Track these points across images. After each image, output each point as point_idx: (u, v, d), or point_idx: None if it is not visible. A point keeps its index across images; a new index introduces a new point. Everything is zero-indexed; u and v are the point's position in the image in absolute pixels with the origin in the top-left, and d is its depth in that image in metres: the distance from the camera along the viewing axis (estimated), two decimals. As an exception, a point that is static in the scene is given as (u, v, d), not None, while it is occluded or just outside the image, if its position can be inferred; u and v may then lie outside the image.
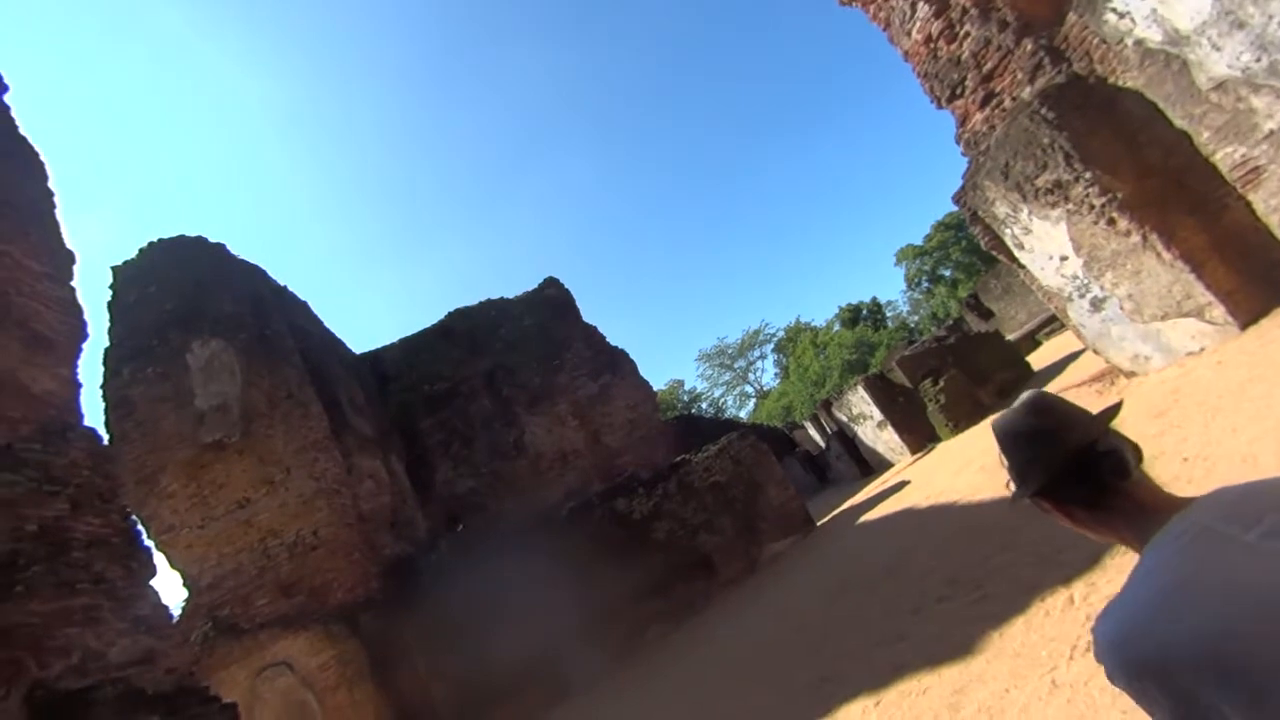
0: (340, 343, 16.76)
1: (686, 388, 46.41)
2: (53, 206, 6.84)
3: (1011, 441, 0.94)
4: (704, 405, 45.86)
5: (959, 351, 12.33)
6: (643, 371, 19.52)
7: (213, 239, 12.20)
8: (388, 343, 19.24)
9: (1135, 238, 5.74)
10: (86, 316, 6.65)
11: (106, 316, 11.73)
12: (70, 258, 6.78)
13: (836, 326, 40.45)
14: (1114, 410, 0.93)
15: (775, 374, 45.46)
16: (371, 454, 14.09)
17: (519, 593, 10.49)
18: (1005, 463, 0.96)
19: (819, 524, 10.99)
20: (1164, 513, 0.81)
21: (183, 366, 11.09)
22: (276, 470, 11.16)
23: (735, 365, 46.39)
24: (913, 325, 38.11)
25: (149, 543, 10.53)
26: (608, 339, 20.04)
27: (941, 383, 11.34)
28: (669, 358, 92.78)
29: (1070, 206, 6.03)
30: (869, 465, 14.19)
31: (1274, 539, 0.69)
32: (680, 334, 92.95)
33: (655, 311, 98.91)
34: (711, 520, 10.31)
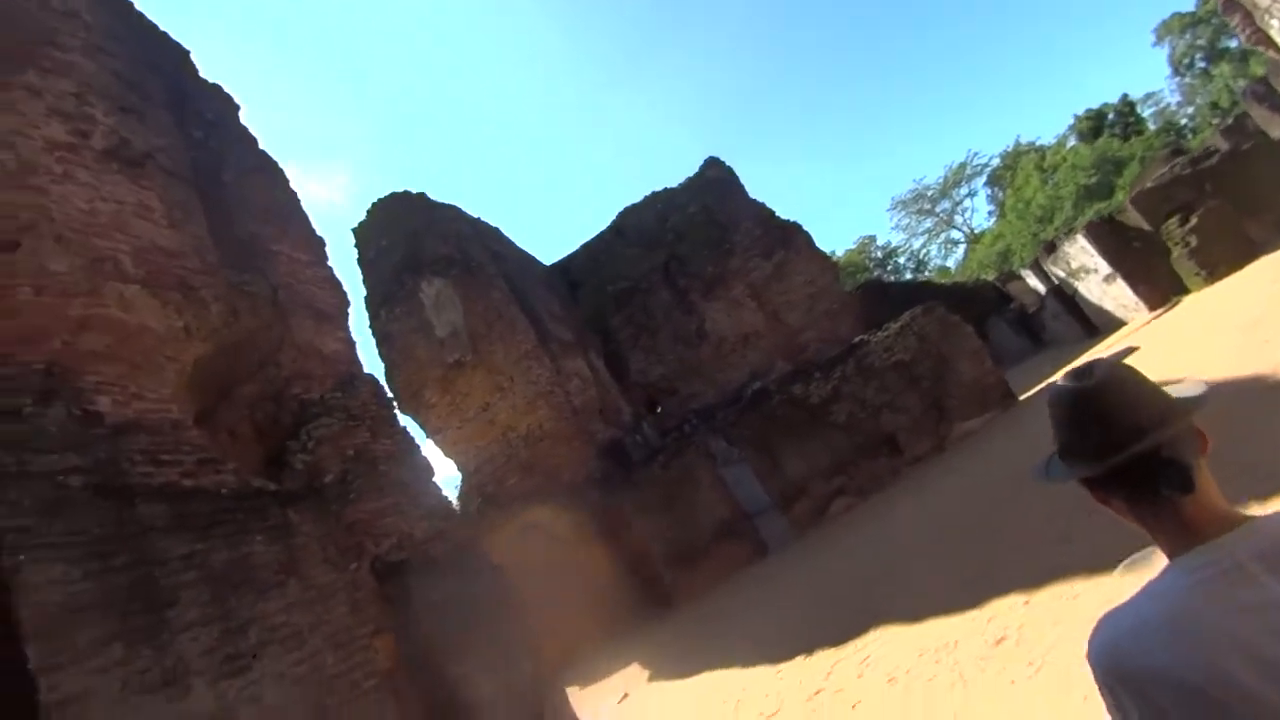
0: (532, 259, 18.62)
1: (879, 244, 42.49)
2: (298, 203, 8.60)
3: (1066, 414, 0.84)
4: (901, 260, 41.86)
5: (1222, 174, 9.47)
6: (827, 233, 18.74)
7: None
8: (572, 250, 20.75)
9: None
10: (346, 287, 8.50)
11: (358, 270, 14.62)
12: (322, 242, 8.57)
13: (1072, 142, 32.86)
14: (1196, 403, 0.81)
15: (990, 212, 39.23)
16: (574, 355, 15.98)
17: (714, 466, 11.68)
18: (1054, 429, 0.87)
19: (1022, 398, 10.11)
20: (1207, 531, 0.75)
21: (419, 303, 13.56)
22: (503, 379, 13.45)
23: (938, 209, 40.82)
24: (1184, 122, 29.22)
25: (427, 441, 13.70)
26: (777, 213, 19.23)
27: (1193, 220, 9.02)
28: (857, 213, 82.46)
29: (1379, -24, 4.28)
30: (1094, 325, 12.21)
31: None
32: (869, 184, 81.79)
33: (837, 164, 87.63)
34: (895, 400, 10.13)
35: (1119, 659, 0.74)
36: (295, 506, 5.48)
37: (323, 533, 5.64)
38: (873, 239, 42.16)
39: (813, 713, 3.81)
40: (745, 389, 15.91)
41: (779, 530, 10.46)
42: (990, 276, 23.58)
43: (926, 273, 40.95)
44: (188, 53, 8.31)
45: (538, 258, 19.47)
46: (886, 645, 4.23)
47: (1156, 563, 0.84)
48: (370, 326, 14.11)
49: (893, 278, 39.23)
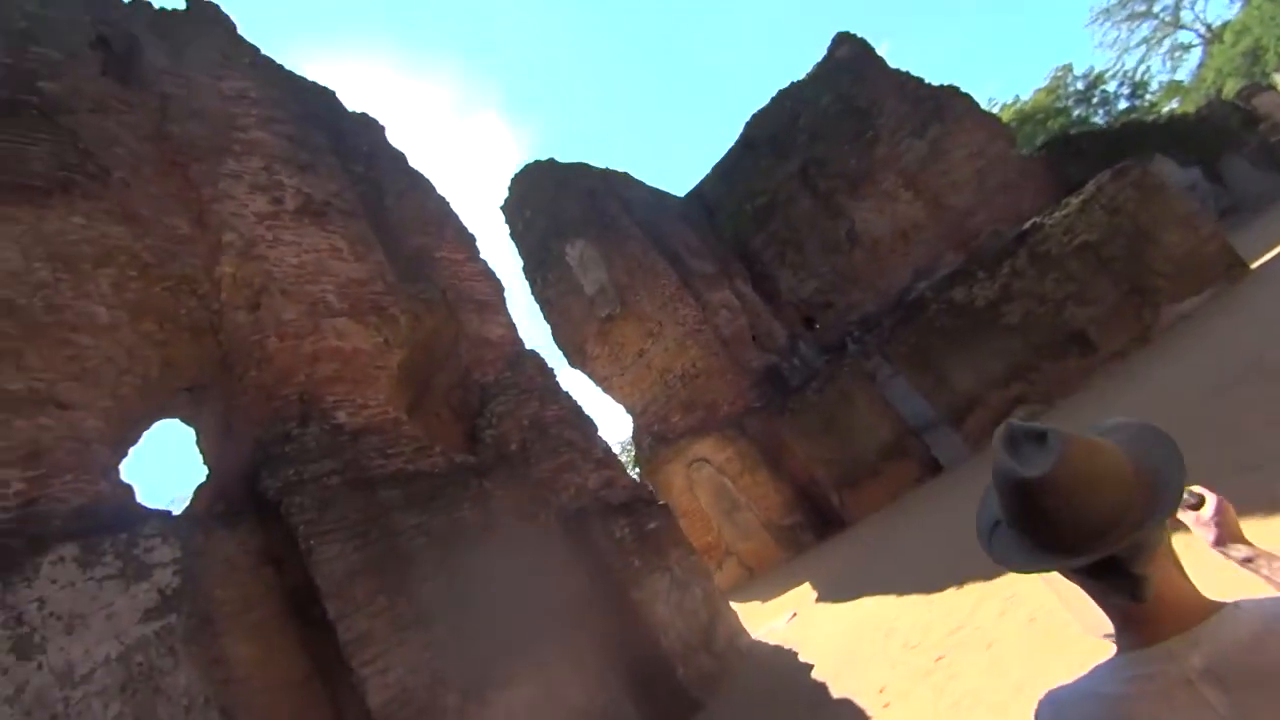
0: (664, 196, 18.66)
1: (1077, 73, 34.57)
2: (449, 207, 9.67)
3: (1006, 497, 0.74)
4: (1110, 88, 33.72)
5: None
6: (1003, 83, 15.55)
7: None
8: (704, 173, 20.26)
9: None
10: (500, 277, 9.51)
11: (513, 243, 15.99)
12: (473, 238, 9.63)
13: None
14: (1163, 509, 0.69)
15: (1236, -3, 29.59)
16: (717, 287, 16.04)
17: (871, 386, 11.34)
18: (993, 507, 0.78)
19: (1257, 264, 8.12)
20: (1161, 629, 0.68)
21: (567, 266, 14.59)
22: (652, 324, 14.15)
23: (1156, 8, 31.86)
24: None
25: (596, 388, 15.01)
26: (926, 81, 16.76)
27: None
28: (1040, 50, 65.02)
29: None
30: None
31: None
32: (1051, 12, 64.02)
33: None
34: (1082, 290, 8.80)
35: None
36: (489, 476, 6.65)
37: (515, 494, 6.79)
38: (1068, 69, 34.36)
39: (951, 649, 3.94)
40: (908, 292, 14.82)
41: (952, 446, 9.96)
42: (1233, 90, 18.22)
43: (1148, 95, 32.77)
44: (333, 92, 9.52)
45: (672, 191, 19.46)
46: (1036, 582, 4.12)
47: None
48: (532, 294, 15.56)
49: (1101, 111, 32.16)
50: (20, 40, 5.41)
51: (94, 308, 5.04)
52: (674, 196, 19.37)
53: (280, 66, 8.63)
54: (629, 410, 14.87)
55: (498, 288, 9.35)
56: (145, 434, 6.23)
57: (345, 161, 8.46)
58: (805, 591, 8.10)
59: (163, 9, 7.32)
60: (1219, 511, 0.85)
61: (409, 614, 4.90)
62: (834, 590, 7.18)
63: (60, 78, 5.63)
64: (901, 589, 5.72)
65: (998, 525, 0.78)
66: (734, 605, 10.10)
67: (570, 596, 6.14)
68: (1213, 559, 0.85)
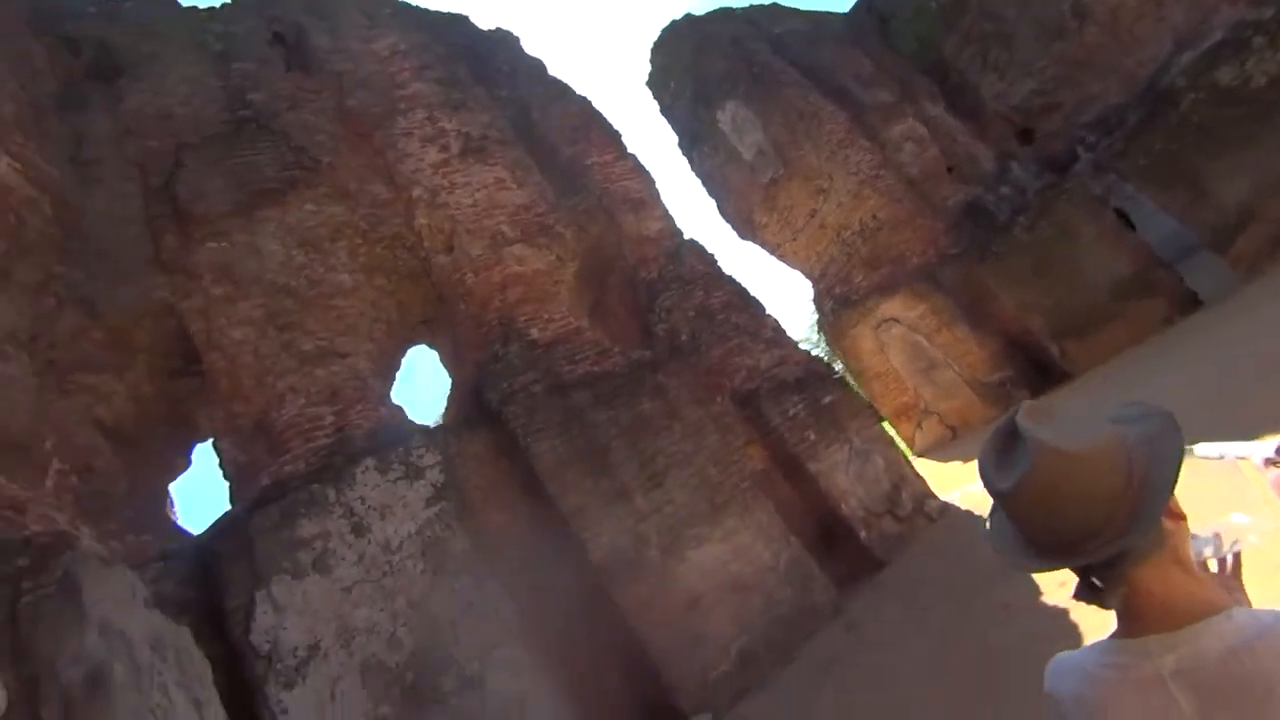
0: (824, 18, 16.12)
1: None
2: (591, 106, 9.75)
3: (992, 498, 0.76)
4: None
5: None
6: None
7: None
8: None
9: None
10: (651, 171, 9.51)
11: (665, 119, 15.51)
12: (618, 135, 9.69)
13: None
14: (1153, 519, 0.69)
15: None
16: (897, 117, 13.89)
17: (1101, 211, 9.43)
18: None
19: None
20: (1143, 625, 0.71)
21: (721, 134, 13.85)
22: (821, 180, 13.06)
23: None
24: None
25: (772, 257, 14.64)
26: None
27: None
28: None
29: None
30: None
31: None
32: None
33: None
34: None
35: (1050, 702, 0.81)
36: (663, 369, 7.25)
37: (688, 382, 7.35)
38: None
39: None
40: (1161, 75, 11.42)
41: (1215, 274, 8.03)
42: None
43: None
44: (466, 17, 9.81)
45: (835, 9, 16.73)
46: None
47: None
48: (692, 170, 15.21)
49: None
50: (222, 61, 6.57)
51: (339, 276, 6.40)
52: (836, 15, 16.66)
53: (416, 7, 9.08)
54: (807, 276, 14.37)
55: (649, 182, 9.41)
56: (403, 362, 7.91)
57: (490, 88, 8.88)
58: (1006, 452, 7.66)
59: (313, -12, 8.09)
60: None
61: (612, 491, 5.85)
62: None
63: (260, 87, 6.77)
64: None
65: (995, 513, 0.80)
66: (933, 465, 9.96)
67: (751, 470, 6.69)
68: None
